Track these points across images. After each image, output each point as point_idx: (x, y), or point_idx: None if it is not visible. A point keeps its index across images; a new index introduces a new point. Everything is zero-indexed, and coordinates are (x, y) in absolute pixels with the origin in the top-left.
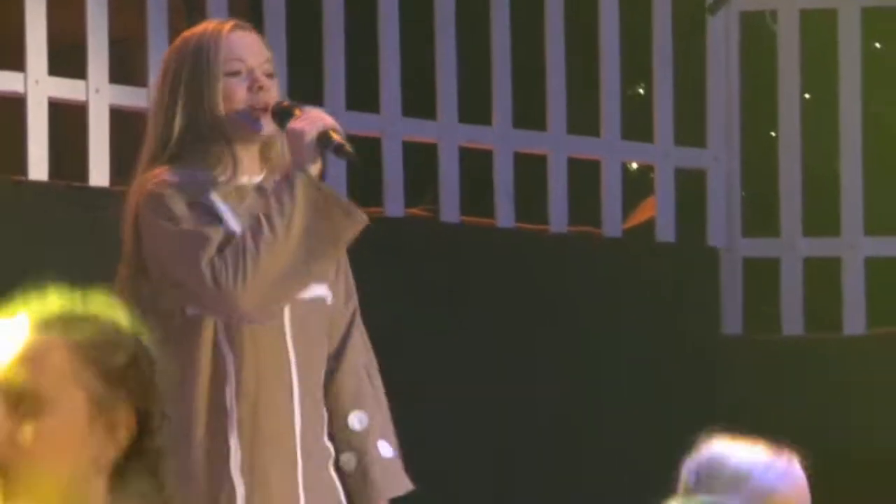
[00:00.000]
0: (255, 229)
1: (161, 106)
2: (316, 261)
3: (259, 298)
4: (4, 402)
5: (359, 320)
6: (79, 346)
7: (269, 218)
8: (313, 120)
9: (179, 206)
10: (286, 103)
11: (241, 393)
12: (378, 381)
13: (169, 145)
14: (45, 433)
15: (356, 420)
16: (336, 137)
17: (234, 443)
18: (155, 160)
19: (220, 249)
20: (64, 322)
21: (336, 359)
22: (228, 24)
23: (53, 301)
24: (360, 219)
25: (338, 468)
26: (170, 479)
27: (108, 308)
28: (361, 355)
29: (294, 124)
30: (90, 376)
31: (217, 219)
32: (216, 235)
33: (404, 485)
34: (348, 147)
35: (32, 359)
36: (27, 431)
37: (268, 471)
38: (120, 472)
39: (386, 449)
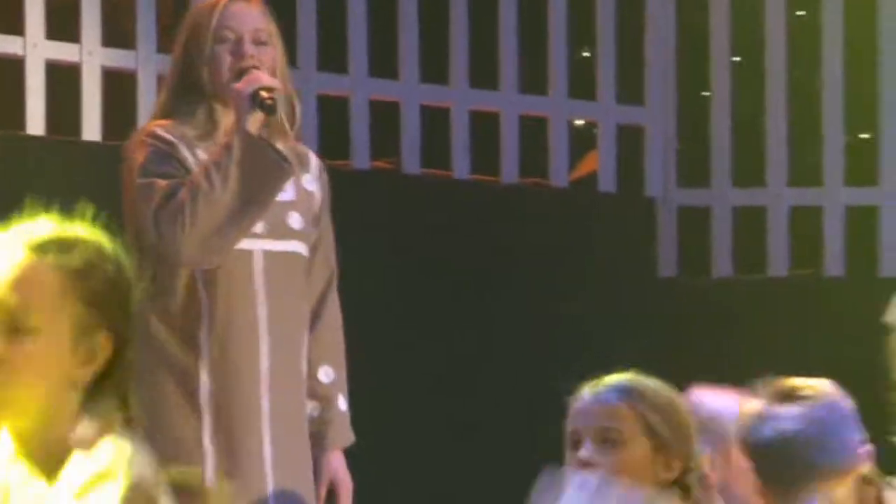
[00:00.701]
0: (194, 183)
1: (171, 67)
2: (251, 210)
3: (198, 245)
4: None
5: (335, 281)
6: (67, 271)
7: (207, 172)
8: (250, 81)
9: (148, 158)
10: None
11: (212, 331)
12: (342, 337)
13: (166, 103)
14: (30, 353)
15: (324, 373)
16: (264, 95)
17: (204, 376)
18: (156, 116)
19: (167, 201)
20: (53, 246)
21: (315, 312)
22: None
23: (43, 226)
24: (289, 170)
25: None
26: (138, 402)
27: (92, 233)
28: (338, 313)
29: (236, 85)
30: (75, 301)
31: (183, 172)
32: (166, 188)
33: (351, 437)
34: (271, 103)
35: (23, 281)
36: (13, 351)
37: (231, 404)
38: (92, 391)
39: (343, 403)
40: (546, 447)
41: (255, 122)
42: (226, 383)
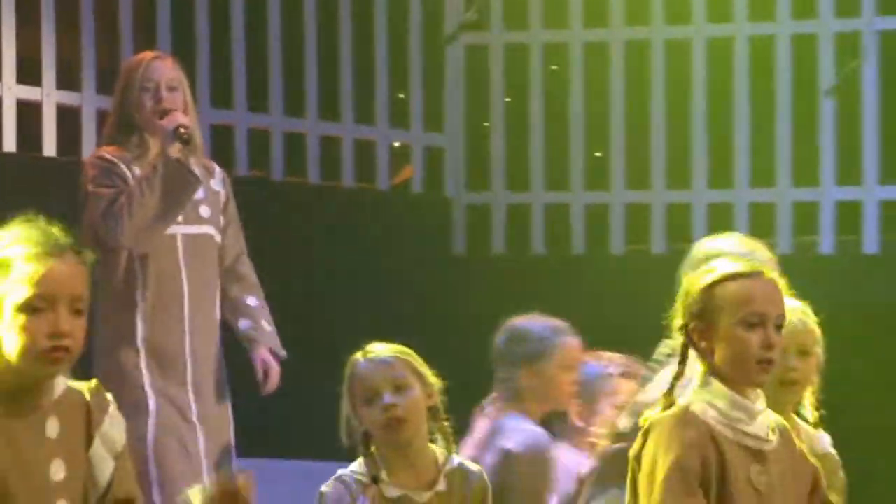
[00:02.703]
0: (131, 192)
1: (112, 108)
2: (171, 211)
3: (133, 235)
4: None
5: (245, 250)
6: (85, 267)
7: (140, 184)
8: (171, 120)
9: (97, 173)
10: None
11: (145, 292)
12: (258, 283)
13: (109, 134)
14: (82, 326)
15: (251, 300)
16: (181, 130)
17: (139, 324)
18: (103, 143)
19: (111, 204)
20: (73, 248)
21: (235, 262)
22: (151, 55)
23: (56, 233)
24: (197, 183)
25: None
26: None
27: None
28: (252, 269)
29: (161, 122)
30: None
31: (123, 184)
32: (111, 195)
33: (279, 346)
34: (187, 137)
35: (79, 276)
36: (79, 325)
37: (161, 342)
38: None
39: (267, 325)
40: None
41: (175, 149)
42: (156, 329)
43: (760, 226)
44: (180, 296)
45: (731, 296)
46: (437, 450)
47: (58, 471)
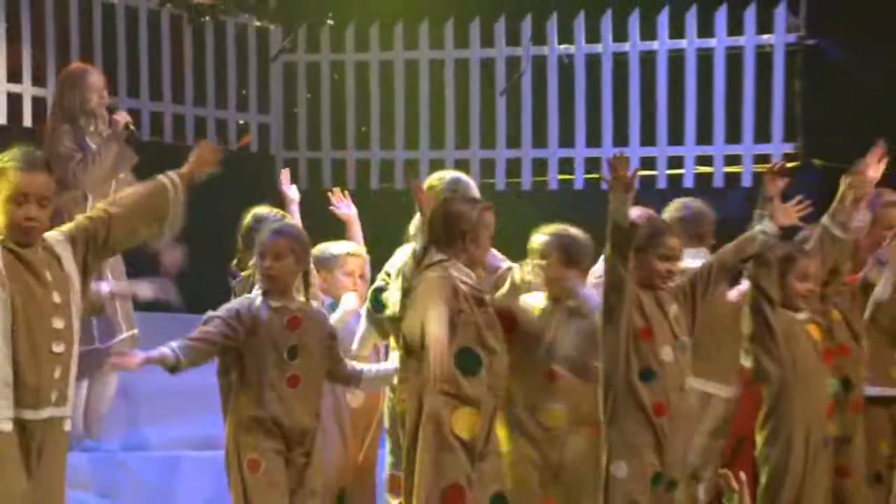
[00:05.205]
0: (92, 155)
1: (56, 98)
2: (116, 172)
3: (92, 185)
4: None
5: None
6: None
7: (98, 151)
8: (122, 116)
9: (66, 139)
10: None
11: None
12: None
13: (66, 111)
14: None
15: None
16: (129, 125)
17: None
18: (62, 121)
19: (78, 163)
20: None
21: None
22: (91, 68)
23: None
24: (133, 157)
25: None
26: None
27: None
28: None
29: (115, 116)
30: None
31: (87, 148)
32: (78, 155)
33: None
34: (132, 128)
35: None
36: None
37: None
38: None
39: None
40: None
41: (122, 135)
42: None
43: None
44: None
45: None
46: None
47: (55, 297)
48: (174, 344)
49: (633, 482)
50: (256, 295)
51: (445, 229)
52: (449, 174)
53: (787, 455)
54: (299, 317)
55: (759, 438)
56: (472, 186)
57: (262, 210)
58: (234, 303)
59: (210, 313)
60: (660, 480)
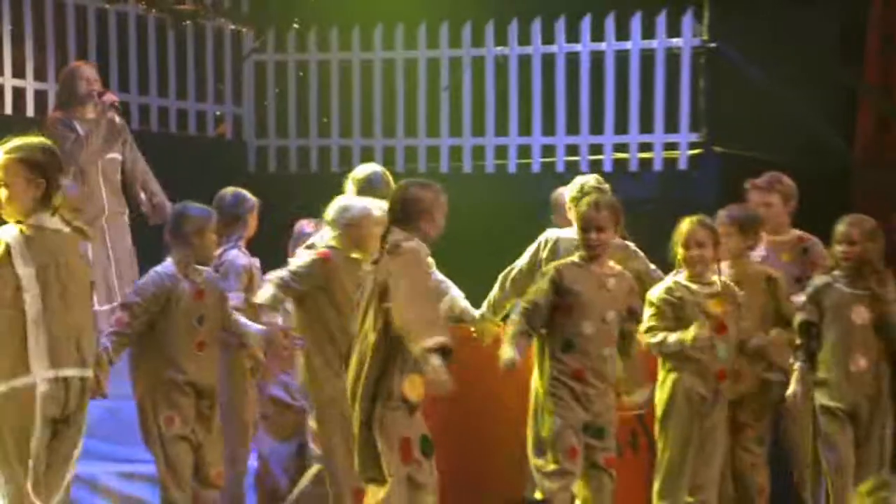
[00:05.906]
0: (82, 135)
1: (60, 89)
2: (106, 150)
3: (84, 162)
4: None
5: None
6: (22, 157)
7: (89, 131)
8: (109, 96)
9: (58, 125)
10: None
11: (84, 184)
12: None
13: (62, 101)
14: (11, 193)
15: (151, 183)
16: (116, 105)
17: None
18: (56, 107)
19: (73, 143)
20: (17, 147)
21: (133, 164)
22: (84, 63)
23: (14, 140)
24: (121, 134)
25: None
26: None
27: (36, 138)
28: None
29: (104, 98)
30: (27, 168)
31: (76, 131)
32: (72, 136)
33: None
34: (118, 107)
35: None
36: (3, 193)
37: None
38: (42, 207)
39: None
40: None
41: (109, 110)
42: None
43: None
44: (98, 188)
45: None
46: None
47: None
48: (106, 343)
49: None
50: (168, 266)
51: (404, 210)
52: (370, 167)
53: None
54: (203, 288)
55: None
56: (387, 178)
57: (229, 190)
58: (149, 283)
59: (129, 297)
60: None
